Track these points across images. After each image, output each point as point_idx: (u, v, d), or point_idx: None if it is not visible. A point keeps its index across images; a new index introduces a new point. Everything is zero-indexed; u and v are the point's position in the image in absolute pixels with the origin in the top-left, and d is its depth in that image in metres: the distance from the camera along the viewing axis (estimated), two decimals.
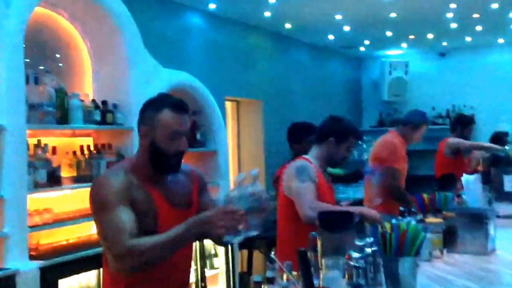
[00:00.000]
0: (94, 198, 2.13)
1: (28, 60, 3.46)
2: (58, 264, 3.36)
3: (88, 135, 4.08)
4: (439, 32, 7.58)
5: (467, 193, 3.72)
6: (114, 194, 2.07)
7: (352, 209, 2.99)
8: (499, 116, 8.30)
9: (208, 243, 4.73)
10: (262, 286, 2.04)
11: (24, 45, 3.36)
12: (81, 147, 3.84)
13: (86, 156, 3.83)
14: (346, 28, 7.05)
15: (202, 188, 2.38)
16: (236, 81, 6.60)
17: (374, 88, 9.48)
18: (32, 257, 3.31)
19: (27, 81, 3.41)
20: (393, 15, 6.44)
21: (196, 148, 4.75)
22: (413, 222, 2.65)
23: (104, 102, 4.01)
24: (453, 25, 7.04)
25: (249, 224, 1.95)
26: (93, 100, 4.00)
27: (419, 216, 3.26)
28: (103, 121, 3.96)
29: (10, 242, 3.18)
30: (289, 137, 4.42)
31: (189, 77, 4.75)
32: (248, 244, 5.58)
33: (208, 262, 4.84)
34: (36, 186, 3.42)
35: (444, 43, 8.39)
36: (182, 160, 2.21)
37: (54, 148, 3.60)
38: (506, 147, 5.75)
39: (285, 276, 2.14)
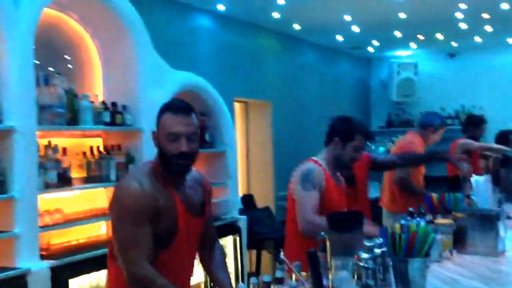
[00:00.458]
0: (117, 206, 2.17)
1: (38, 62, 3.48)
2: (68, 263, 3.39)
3: (97, 136, 4.10)
4: (449, 33, 7.54)
5: (477, 194, 3.70)
6: (137, 205, 2.11)
7: None
8: (509, 116, 8.25)
9: None
10: (271, 286, 2.05)
11: (34, 47, 3.39)
12: (91, 148, 3.87)
13: (96, 157, 3.85)
14: (355, 29, 7.02)
15: (210, 197, 2.45)
16: (244, 82, 6.61)
17: (383, 88, 9.45)
18: (43, 257, 3.33)
19: (37, 83, 3.43)
20: (402, 15, 6.41)
21: (205, 149, 4.76)
22: (423, 223, 2.65)
23: (114, 104, 4.03)
24: (463, 26, 6.99)
25: None
26: (103, 102, 4.02)
27: (429, 217, 3.25)
28: (112, 122, 3.98)
29: (21, 242, 3.21)
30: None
31: (198, 78, 4.76)
32: (256, 245, 5.59)
33: None
34: (47, 187, 3.44)
35: (454, 44, 8.34)
36: (191, 162, 2.24)
37: (64, 149, 3.63)
38: None
39: (294, 277, 2.15)
